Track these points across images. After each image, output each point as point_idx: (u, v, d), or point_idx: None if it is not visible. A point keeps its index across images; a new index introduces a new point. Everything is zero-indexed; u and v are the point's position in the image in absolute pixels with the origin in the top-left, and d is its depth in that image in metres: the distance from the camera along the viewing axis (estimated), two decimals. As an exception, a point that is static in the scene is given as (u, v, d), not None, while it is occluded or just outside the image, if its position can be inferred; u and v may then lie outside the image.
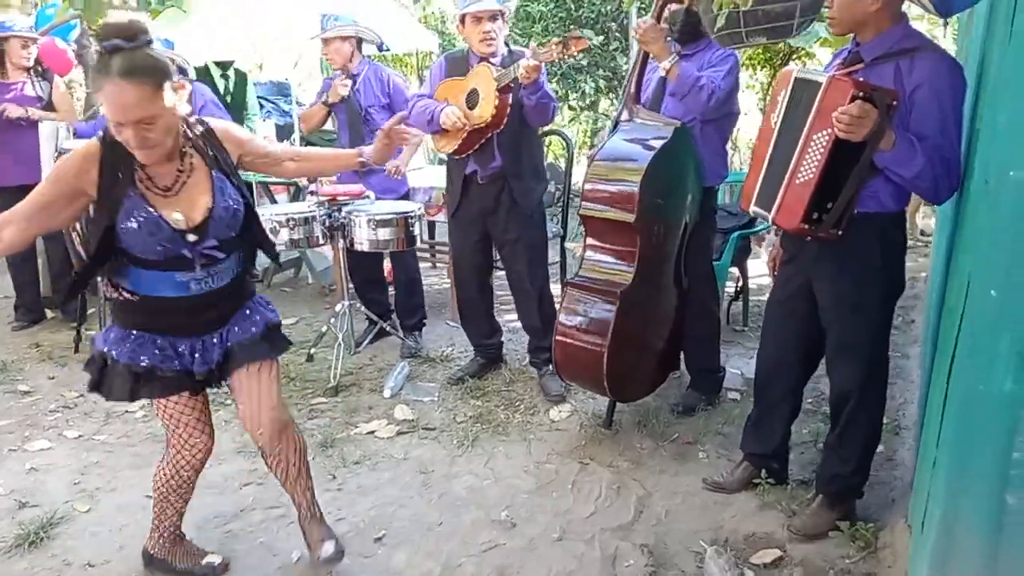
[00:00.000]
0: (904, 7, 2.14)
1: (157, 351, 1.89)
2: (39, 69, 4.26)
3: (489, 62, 3.14)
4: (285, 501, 2.36)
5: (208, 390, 2.08)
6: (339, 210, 3.66)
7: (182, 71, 4.03)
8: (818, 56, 7.02)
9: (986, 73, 2.01)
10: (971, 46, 2.65)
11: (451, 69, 3.30)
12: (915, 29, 2.16)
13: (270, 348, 2.04)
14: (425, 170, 5.30)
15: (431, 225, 5.38)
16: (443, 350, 3.99)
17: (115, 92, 1.60)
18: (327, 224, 3.63)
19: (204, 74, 5.36)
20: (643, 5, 6.64)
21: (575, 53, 2.87)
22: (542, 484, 2.72)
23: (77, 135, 4.17)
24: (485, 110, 3.10)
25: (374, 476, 2.80)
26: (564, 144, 4.50)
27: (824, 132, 2.01)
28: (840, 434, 2.34)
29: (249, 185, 3.54)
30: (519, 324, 3.67)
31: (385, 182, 3.91)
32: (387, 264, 4.24)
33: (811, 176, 2.05)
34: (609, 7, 7.65)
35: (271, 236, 3.36)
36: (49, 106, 4.23)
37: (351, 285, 3.97)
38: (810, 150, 2.05)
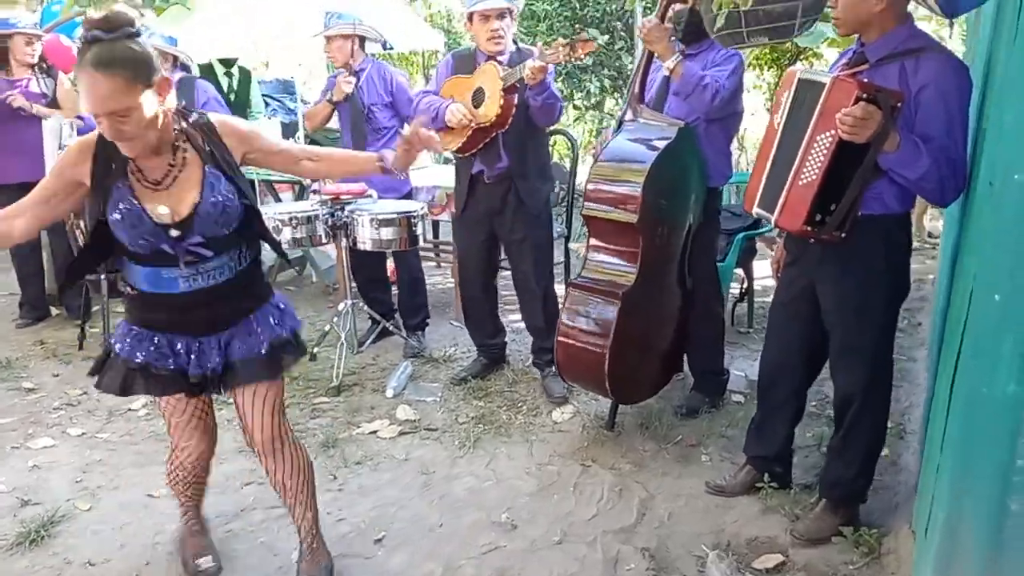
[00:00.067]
0: (910, 7, 2.12)
1: (153, 348, 1.89)
2: (44, 66, 4.27)
3: (497, 61, 3.13)
4: (286, 501, 2.36)
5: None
6: (342, 209, 3.65)
7: (185, 68, 4.06)
8: (826, 56, 6.97)
9: (992, 73, 2.00)
10: (978, 46, 2.63)
11: (458, 66, 3.29)
12: (921, 29, 2.15)
13: (269, 370, 1.97)
14: (429, 169, 5.29)
15: (435, 224, 5.38)
16: (446, 350, 3.98)
17: (89, 83, 1.60)
18: (330, 223, 3.63)
19: (208, 71, 5.36)
20: (648, 4, 6.63)
21: (582, 55, 2.86)
22: (543, 486, 2.71)
23: (81, 131, 4.18)
24: (490, 109, 3.09)
25: (375, 477, 2.79)
26: (568, 144, 4.48)
27: (828, 133, 1.99)
28: (844, 438, 2.32)
29: (252, 183, 3.55)
30: (523, 325, 3.66)
31: (388, 181, 3.90)
32: (391, 263, 4.24)
33: (814, 178, 2.03)
34: (614, 6, 7.62)
35: (274, 235, 3.38)
36: (53, 103, 4.24)
37: (354, 284, 3.97)
38: (813, 151, 2.04)
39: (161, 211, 1.77)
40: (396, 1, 7.03)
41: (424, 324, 4.09)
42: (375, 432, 3.12)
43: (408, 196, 4.09)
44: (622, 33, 7.81)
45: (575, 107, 8.54)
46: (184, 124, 1.82)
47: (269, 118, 7.04)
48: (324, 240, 3.68)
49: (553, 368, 3.25)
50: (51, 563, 2.32)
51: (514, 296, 3.58)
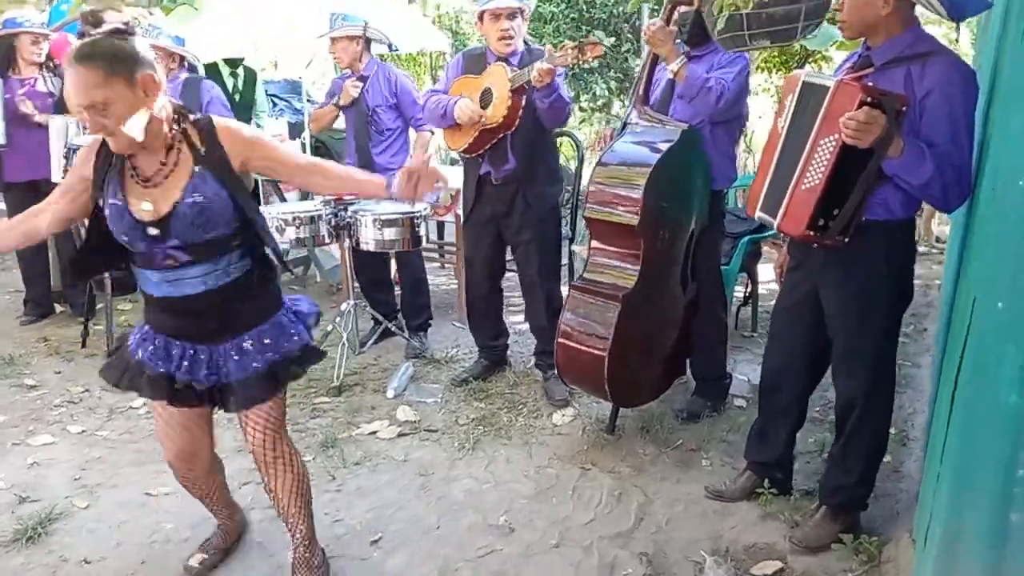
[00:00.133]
0: (917, 11, 2.10)
1: (152, 348, 1.90)
2: (51, 65, 4.28)
3: (507, 61, 3.12)
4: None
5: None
6: (345, 209, 3.65)
7: (192, 68, 4.06)
8: (834, 59, 6.95)
9: (999, 77, 1.97)
10: (986, 49, 2.61)
11: (468, 66, 3.29)
12: (927, 33, 2.12)
13: (265, 392, 1.92)
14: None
15: (440, 225, 5.37)
16: (448, 351, 3.97)
17: (70, 75, 1.63)
18: (333, 223, 3.63)
19: (213, 71, 5.37)
20: (654, 6, 6.61)
21: (590, 59, 2.84)
22: (542, 489, 2.70)
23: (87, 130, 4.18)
24: (498, 110, 3.07)
25: (374, 478, 2.78)
26: (574, 145, 4.47)
27: (831, 137, 1.97)
28: (845, 444, 2.30)
29: (257, 184, 3.54)
30: (525, 326, 3.65)
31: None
32: (395, 264, 4.23)
33: (817, 182, 2.01)
34: (621, 8, 7.61)
35: (277, 234, 3.38)
36: (60, 101, 4.25)
37: (357, 284, 3.96)
38: (816, 156, 2.02)
39: (144, 207, 1.77)
40: (398, 1, 7.01)
41: (426, 325, 4.08)
42: (375, 433, 3.11)
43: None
44: (629, 35, 7.80)
45: (581, 109, 8.53)
46: (184, 124, 1.82)
47: (276, 118, 7.07)
48: (327, 240, 3.68)
49: (555, 371, 3.24)
50: (47, 560, 2.32)
51: (516, 297, 3.56)
